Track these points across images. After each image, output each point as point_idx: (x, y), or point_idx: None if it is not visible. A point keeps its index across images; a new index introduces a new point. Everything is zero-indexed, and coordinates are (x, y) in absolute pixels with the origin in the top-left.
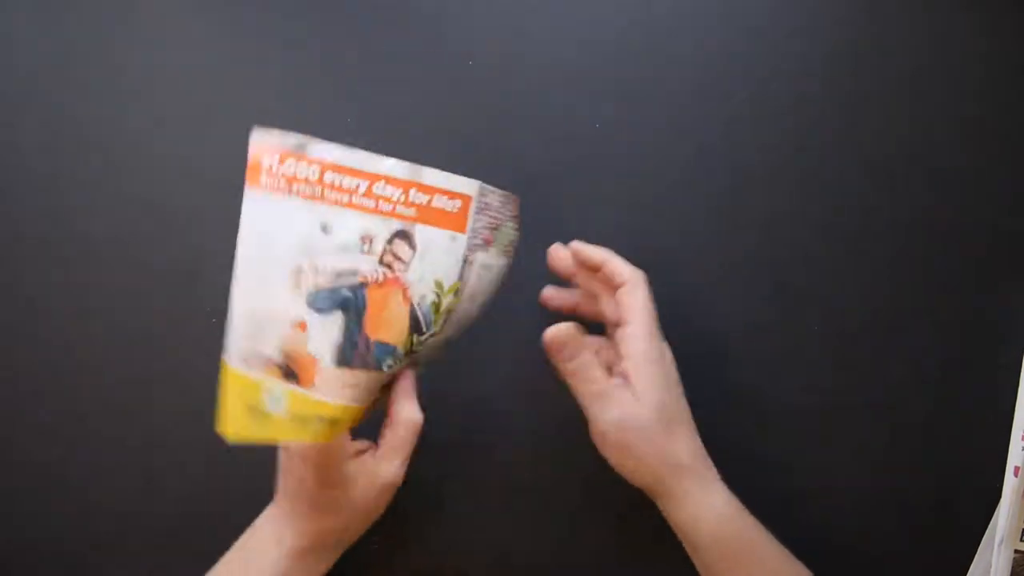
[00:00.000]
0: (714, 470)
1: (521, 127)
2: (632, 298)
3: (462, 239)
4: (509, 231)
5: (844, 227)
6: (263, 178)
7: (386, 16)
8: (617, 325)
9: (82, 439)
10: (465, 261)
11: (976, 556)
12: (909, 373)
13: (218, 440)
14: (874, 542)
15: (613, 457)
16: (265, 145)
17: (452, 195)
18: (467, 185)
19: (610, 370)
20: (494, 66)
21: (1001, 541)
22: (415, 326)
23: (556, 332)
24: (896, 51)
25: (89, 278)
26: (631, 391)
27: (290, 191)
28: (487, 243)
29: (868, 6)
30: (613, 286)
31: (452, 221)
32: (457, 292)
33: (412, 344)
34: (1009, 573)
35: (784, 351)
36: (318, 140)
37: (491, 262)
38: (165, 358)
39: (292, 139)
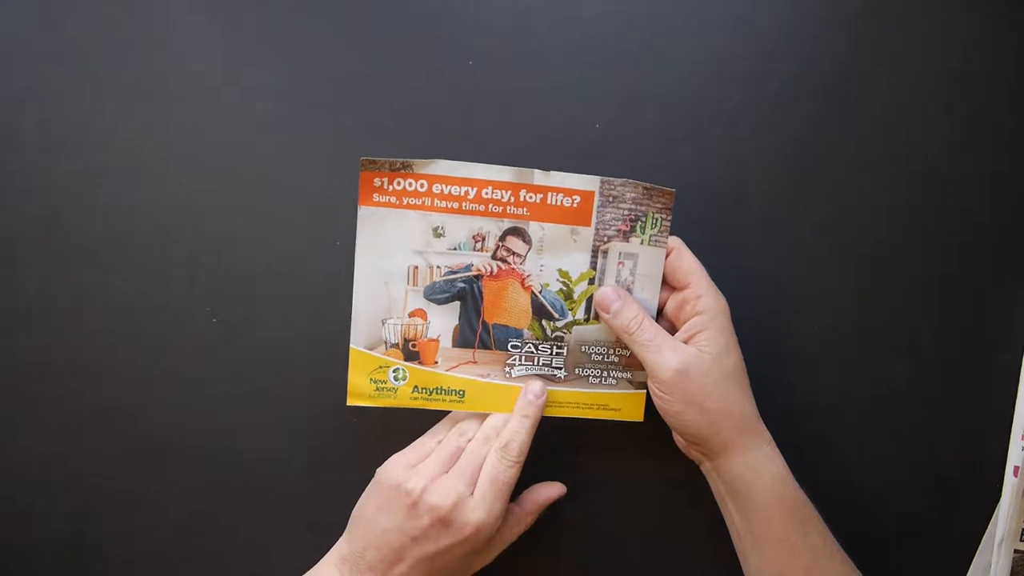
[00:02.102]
0: (769, 434)
1: (521, 127)
2: (683, 261)
3: (587, 232)
4: (658, 222)
5: (844, 227)
6: (375, 196)
7: (386, 16)
8: (674, 290)
9: (82, 439)
10: (597, 251)
11: (976, 556)
12: (909, 373)
13: (217, 440)
14: (874, 542)
15: (672, 407)
16: (373, 169)
17: (568, 192)
18: (586, 182)
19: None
20: (494, 66)
21: (1001, 541)
22: (541, 312)
23: (603, 290)
24: (896, 51)
25: (89, 278)
26: (694, 342)
27: (401, 204)
28: (624, 233)
29: (868, 6)
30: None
31: (573, 216)
32: (592, 280)
33: (549, 329)
34: (1009, 573)
35: (784, 351)
36: (423, 159)
37: (634, 251)
38: (165, 358)
39: (399, 161)
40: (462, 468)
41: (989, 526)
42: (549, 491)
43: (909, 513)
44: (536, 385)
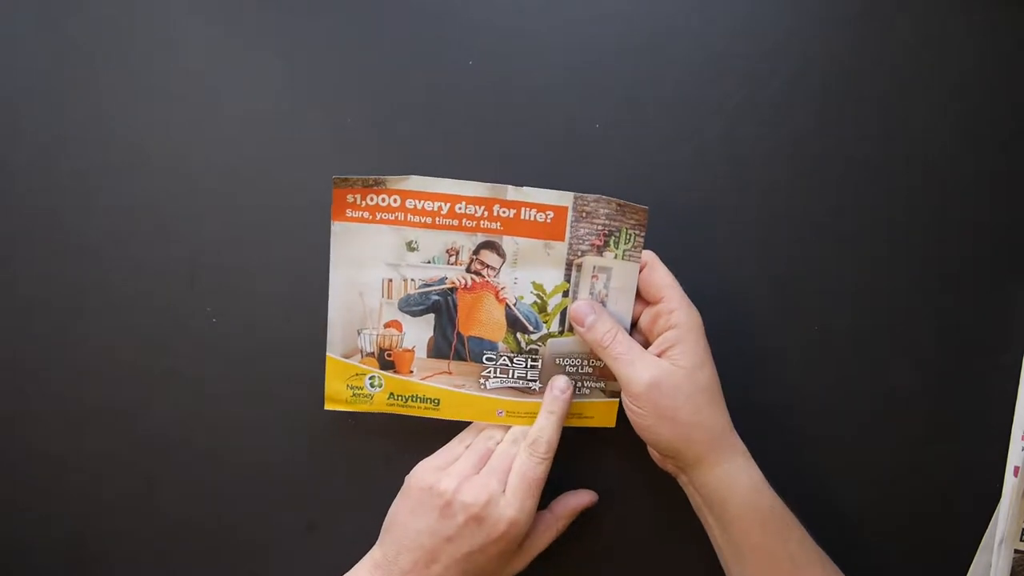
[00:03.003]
0: (744, 445)
1: (521, 127)
2: (656, 275)
3: (560, 246)
4: (631, 238)
5: (844, 227)
6: (348, 212)
7: (386, 16)
8: (648, 304)
9: (82, 439)
10: (570, 265)
11: (976, 556)
12: (909, 373)
13: (217, 440)
14: (874, 542)
15: (645, 420)
16: (345, 186)
17: (541, 208)
18: (559, 198)
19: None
20: (494, 66)
21: (1001, 541)
22: (516, 324)
23: (578, 304)
24: (896, 51)
25: (89, 278)
26: (667, 356)
27: (375, 219)
28: (597, 248)
29: (868, 6)
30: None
31: (546, 231)
32: (566, 292)
33: (523, 342)
34: (1009, 573)
35: (784, 351)
36: (396, 175)
37: (608, 264)
38: (165, 358)
39: (371, 178)
40: (493, 467)
41: (989, 526)
42: (580, 499)
43: (909, 513)
44: (561, 380)
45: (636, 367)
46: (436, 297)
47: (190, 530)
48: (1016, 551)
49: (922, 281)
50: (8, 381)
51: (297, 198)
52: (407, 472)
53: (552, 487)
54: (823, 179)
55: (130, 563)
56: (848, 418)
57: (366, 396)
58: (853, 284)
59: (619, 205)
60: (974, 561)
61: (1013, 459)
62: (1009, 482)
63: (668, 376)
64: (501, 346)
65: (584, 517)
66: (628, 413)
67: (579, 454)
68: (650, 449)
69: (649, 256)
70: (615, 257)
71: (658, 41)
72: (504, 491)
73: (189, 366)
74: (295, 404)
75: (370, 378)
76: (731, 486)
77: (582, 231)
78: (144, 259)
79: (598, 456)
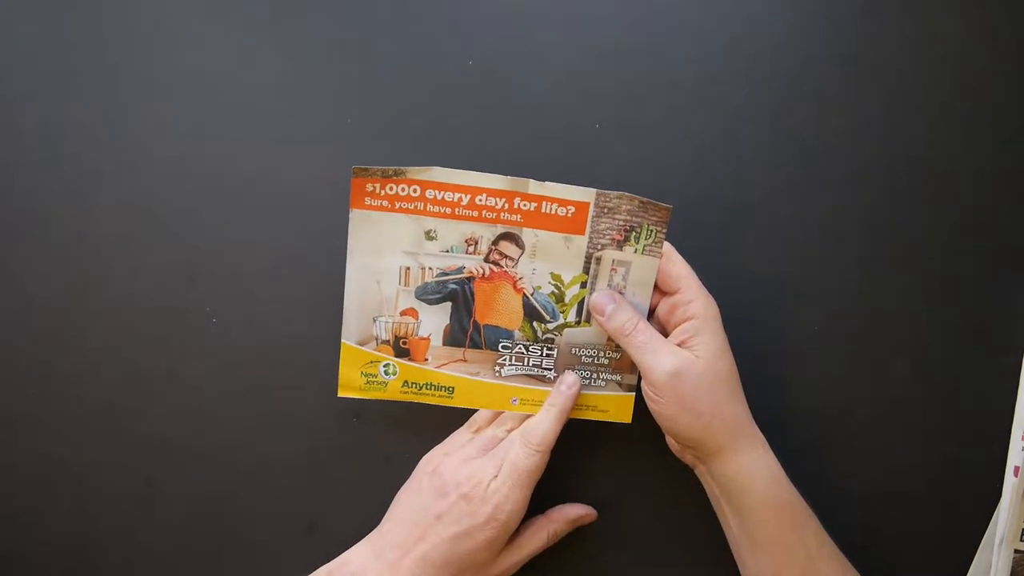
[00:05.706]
0: (763, 436)
1: (521, 127)
2: (673, 266)
3: (580, 240)
4: (652, 233)
5: (844, 227)
6: (367, 200)
7: (386, 16)
8: (665, 295)
9: (82, 439)
10: (590, 258)
11: (976, 556)
12: (909, 373)
13: (217, 440)
14: (874, 542)
15: (666, 410)
16: (365, 176)
17: (563, 203)
18: (581, 193)
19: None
20: (494, 66)
21: (1001, 541)
22: (533, 314)
23: (598, 295)
24: (896, 51)
25: (89, 278)
26: (686, 347)
27: (394, 208)
28: (617, 242)
29: (869, 6)
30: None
31: (567, 224)
32: (584, 283)
33: (540, 331)
34: (1009, 573)
35: (784, 351)
36: (418, 167)
37: (627, 259)
38: (165, 358)
39: (391, 169)
40: (493, 453)
41: (989, 526)
42: (576, 509)
43: (909, 513)
44: (569, 377)
45: (659, 356)
46: (453, 286)
47: (190, 530)
48: (1016, 551)
49: (922, 281)
50: (8, 381)
51: (297, 198)
52: (408, 472)
53: (559, 483)
54: (823, 179)
55: (130, 563)
56: (847, 418)
57: (380, 383)
58: (853, 284)
59: (641, 203)
60: (974, 561)
61: (1013, 459)
62: (1009, 482)
63: (690, 365)
64: (517, 334)
65: (600, 512)
66: (649, 403)
67: (588, 453)
68: (668, 440)
69: (666, 247)
70: (635, 252)
71: (658, 41)
72: (496, 476)
73: (189, 366)
74: (295, 404)
75: (384, 365)
76: (750, 477)
77: (603, 226)
78: (144, 259)
79: (609, 453)
